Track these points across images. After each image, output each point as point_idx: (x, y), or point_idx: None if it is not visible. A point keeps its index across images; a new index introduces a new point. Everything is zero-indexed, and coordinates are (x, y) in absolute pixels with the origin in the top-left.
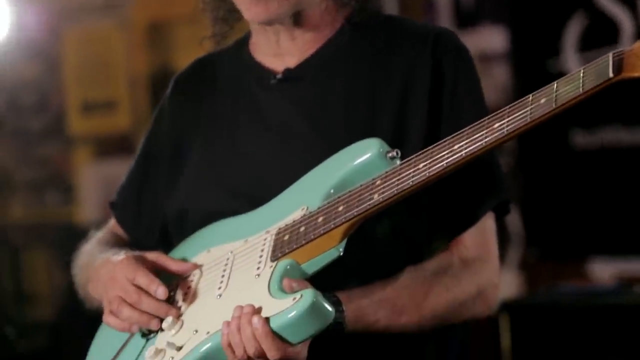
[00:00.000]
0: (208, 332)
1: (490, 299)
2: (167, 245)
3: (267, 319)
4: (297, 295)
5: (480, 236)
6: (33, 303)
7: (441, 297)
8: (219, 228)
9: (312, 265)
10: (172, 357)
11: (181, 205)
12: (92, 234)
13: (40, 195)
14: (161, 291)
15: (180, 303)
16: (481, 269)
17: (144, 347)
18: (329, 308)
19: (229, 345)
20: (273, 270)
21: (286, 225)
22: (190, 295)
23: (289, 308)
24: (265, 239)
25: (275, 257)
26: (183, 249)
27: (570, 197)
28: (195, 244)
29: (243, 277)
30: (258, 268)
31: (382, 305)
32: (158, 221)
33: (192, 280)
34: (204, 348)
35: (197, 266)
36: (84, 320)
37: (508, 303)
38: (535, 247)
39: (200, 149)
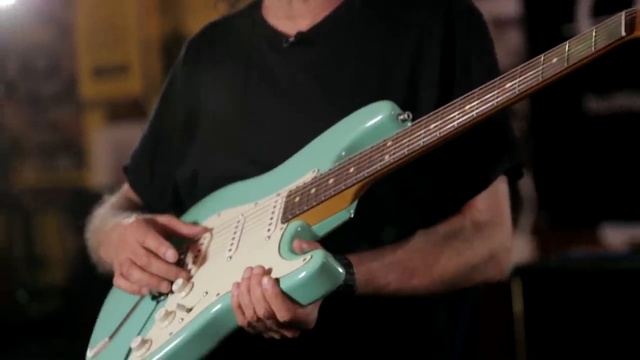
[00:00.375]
0: (218, 294)
1: (503, 262)
2: (179, 209)
3: (277, 280)
4: (307, 256)
5: (493, 199)
6: (45, 267)
7: (452, 261)
8: (230, 192)
9: (323, 227)
10: (182, 319)
11: (192, 170)
12: (105, 198)
13: (52, 160)
14: (170, 254)
15: (190, 266)
16: (494, 232)
17: (154, 310)
18: (339, 269)
19: (239, 306)
20: (283, 232)
21: (297, 187)
22: (201, 258)
23: (299, 269)
24: (275, 201)
25: (285, 219)
26: (194, 213)
27: (582, 163)
28: (205, 207)
29: (253, 239)
30: (268, 230)
31: (393, 269)
32: (170, 185)
33: (202, 244)
34: (214, 309)
35: (208, 229)
36: (96, 284)
37: (520, 268)
38: (547, 213)
39: (211, 114)
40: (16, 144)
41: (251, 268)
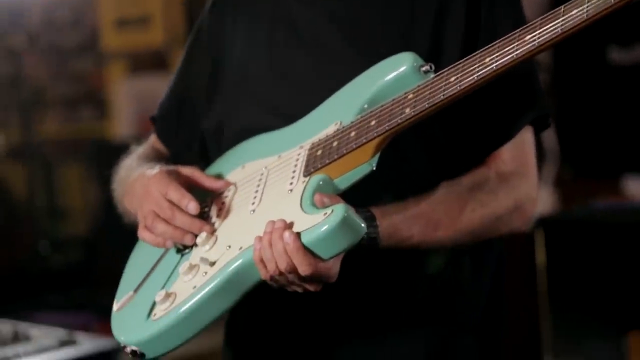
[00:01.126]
0: (241, 248)
1: (528, 213)
2: (206, 160)
3: (298, 234)
4: (328, 210)
5: (518, 150)
6: (66, 218)
7: (477, 213)
8: (254, 144)
9: (345, 180)
10: (206, 272)
11: (218, 121)
12: (133, 148)
13: (74, 111)
14: (192, 206)
15: (214, 219)
16: (519, 183)
17: (178, 263)
18: (361, 223)
19: (261, 260)
20: (305, 185)
21: (319, 140)
22: (225, 211)
23: (320, 223)
24: (298, 154)
25: (307, 172)
26: (219, 166)
27: (605, 115)
28: (230, 160)
29: (276, 192)
30: (291, 183)
31: (417, 221)
32: (197, 136)
33: (226, 196)
34: (237, 263)
35: (230, 183)
36: (117, 235)
37: (543, 219)
38: (570, 165)
39: (237, 65)
40: (38, 95)
41: (273, 222)
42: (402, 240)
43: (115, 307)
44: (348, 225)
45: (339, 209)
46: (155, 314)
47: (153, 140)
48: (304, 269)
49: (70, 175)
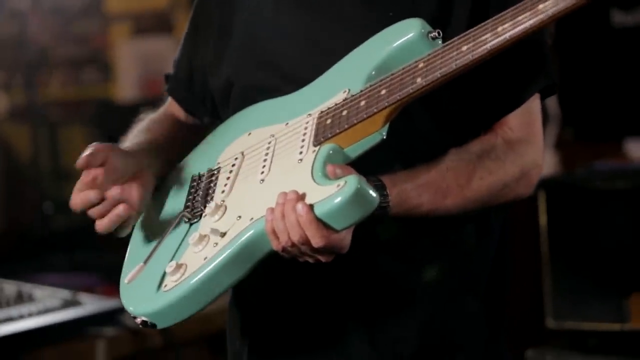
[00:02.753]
0: (252, 219)
1: (533, 180)
2: (217, 118)
3: (311, 206)
4: (341, 182)
5: (525, 117)
6: (70, 179)
7: (485, 180)
8: (259, 110)
9: (355, 150)
10: (216, 244)
11: (226, 80)
12: (142, 115)
13: (78, 73)
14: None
15: (222, 187)
16: (526, 150)
17: (187, 233)
18: (373, 194)
19: (273, 231)
20: (316, 155)
21: (328, 108)
22: (232, 180)
23: (333, 195)
24: (307, 122)
25: (317, 142)
26: (223, 132)
27: (607, 77)
28: (235, 126)
29: (285, 161)
30: (300, 153)
31: (426, 189)
32: (209, 94)
33: (234, 165)
34: (248, 234)
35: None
36: None
37: (545, 180)
38: (572, 127)
39: (243, 23)
40: (42, 56)
41: (285, 193)
42: (412, 208)
43: (125, 280)
44: (361, 197)
45: (352, 181)
46: (166, 285)
47: (168, 104)
48: (316, 241)
49: (74, 136)
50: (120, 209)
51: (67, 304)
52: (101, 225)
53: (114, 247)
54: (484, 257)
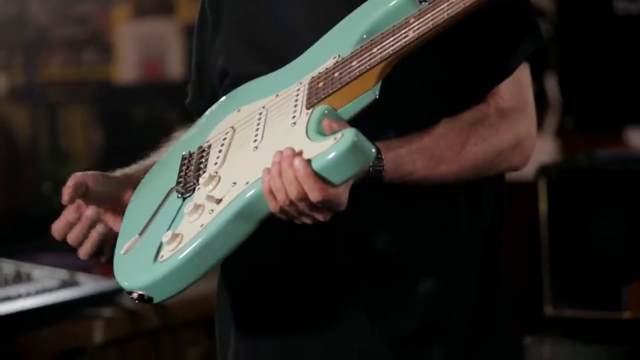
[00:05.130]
0: (247, 182)
1: (527, 149)
2: None
3: (308, 161)
4: (338, 135)
5: (516, 87)
6: (69, 160)
7: (479, 147)
8: (249, 88)
9: (348, 110)
10: (212, 210)
11: (220, 66)
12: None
13: (78, 53)
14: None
15: (214, 161)
16: (518, 119)
17: (181, 205)
18: (371, 146)
19: (270, 191)
20: (309, 116)
21: (319, 73)
22: (225, 153)
23: (331, 147)
24: (298, 90)
25: (310, 104)
26: (212, 113)
27: (609, 65)
28: (224, 106)
29: (279, 127)
30: (294, 117)
31: (420, 155)
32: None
33: (225, 139)
34: (245, 197)
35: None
36: None
37: (545, 167)
38: (573, 115)
39: (231, 7)
40: (42, 37)
41: (281, 152)
42: (406, 174)
43: (121, 251)
44: (359, 148)
45: (349, 132)
46: (162, 256)
47: None
48: (315, 195)
49: (73, 117)
50: (98, 228)
51: (65, 284)
52: (82, 251)
53: None
54: (476, 228)
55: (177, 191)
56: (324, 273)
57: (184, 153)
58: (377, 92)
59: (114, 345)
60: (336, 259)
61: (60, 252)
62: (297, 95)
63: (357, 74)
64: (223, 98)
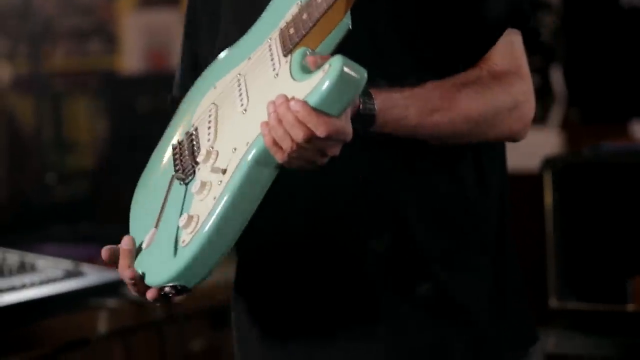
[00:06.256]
0: (248, 143)
1: (526, 113)
2: None
3: (304, 101)
4: (326, 66)
5: (509, 52)
6: (73, 151)
7: (473, 100)
8: (218, 63)
9: (326, 47)
10: (220, 181)
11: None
12: None
13: (83, 44)
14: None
15: (207, 137)
16: (513, 81)
17: (186, 191)
18: (361, 68)
19: (274, 142)
20: (290, 62)
21: (286, 22)
22: (214, 128)
23: (323, 78)
24: (269, 45)
25: (287, 51)
26: (189, 99)
27: (615, 58)
28: (199, 88)
29: (261, 84)
30: (274, 69)
31: (412, 101)
32: None
33: (210, 115)
34: (250, 157)
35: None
36: (124, 168)
37: (551, 160)
38: (578, 108)
39: (228, 10)
40: (47, 27)
41: (273, 101)
42: (399, 119)
43: (143, 244)
44: (350, 72)
45: (337, 59)
46: (184, 241)
47: None
48: (322, 130)
49: (78, 107)
50: None
51: (69, 275)
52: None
53: (116, 218)
54: (487, 211)
55: (177, 179)
56: (335, 274)
57: (173, 143)
58: (350, 22)
59: (118, 336)
60: (346, 256)
61: (64, 243)
62: (271, 49)
63: (325, 6)
64: (196, 81)
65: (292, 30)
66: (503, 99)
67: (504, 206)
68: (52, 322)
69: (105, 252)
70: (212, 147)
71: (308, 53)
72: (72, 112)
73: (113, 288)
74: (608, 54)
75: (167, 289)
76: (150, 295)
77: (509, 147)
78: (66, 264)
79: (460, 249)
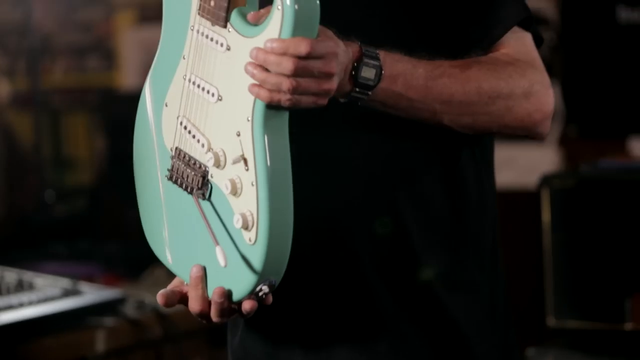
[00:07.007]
0: (248, 118)
1: (544, 103)
2: None
3: (275, 39)
4: (277, 1)
5: (522, 45)
6: (72, 168)
7: (485, 74)
8: (152, 82)
9: (252, 1)
10: (248, 168)
11: None
12: None
13: (82, 60)
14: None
15: (199, 146)
16: (527, 68)
17: (215, 201)
18: None
19: (270, 93)
20: (234, 28)
21: (199, 1)
22: (201, 133)
23: (285, 10)
24: (196, 30)
25: (223, 21)
26: (142, 136)
27: (612, 74)
28: (146, 117)
29: (218, 66)
30: (222, 45)
31: (421, 64)
32: None
33: (186, 128)
34: (260, 124)
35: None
36: (123, 186)
37: (548, 176)
38: (576, 124)
39: None
40: (45, 43)
41: (249, 62)
42: (406, 74)
43: (222, 263)
44: None
45: None
46: (250, 239)
47: None
48: (304, 47)
49: (76, 124)
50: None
51: (68, 293)
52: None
53: (114, 236)
54: (484, 228)
55: (198, 197)
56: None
57: (165, 175)
58: None
59: (116, 354)
60: (351, 281)
61: (63, 260)
62: (201, 32)
63: None
64: (137, 112)
65: (212, 2)
66: (517, 80)
67: (495, 222)
68: (50, 341)
69: (161, 297)
70: (212, 148)
71: (243, 12)
72: (70, 129)
73: (111, 307)
74: (606, 70)
75: (260, 292)
76: (247, 307)
77: (507, 162)
78: (64, 283)
79: (460, 267)
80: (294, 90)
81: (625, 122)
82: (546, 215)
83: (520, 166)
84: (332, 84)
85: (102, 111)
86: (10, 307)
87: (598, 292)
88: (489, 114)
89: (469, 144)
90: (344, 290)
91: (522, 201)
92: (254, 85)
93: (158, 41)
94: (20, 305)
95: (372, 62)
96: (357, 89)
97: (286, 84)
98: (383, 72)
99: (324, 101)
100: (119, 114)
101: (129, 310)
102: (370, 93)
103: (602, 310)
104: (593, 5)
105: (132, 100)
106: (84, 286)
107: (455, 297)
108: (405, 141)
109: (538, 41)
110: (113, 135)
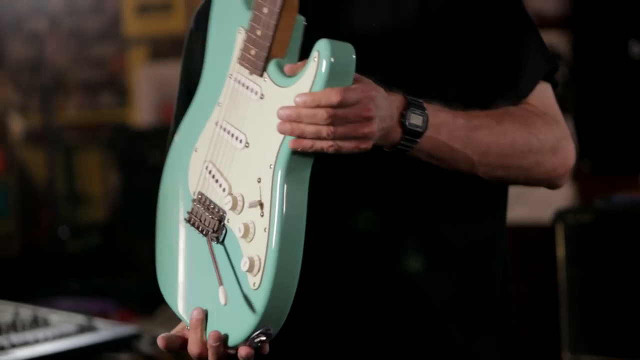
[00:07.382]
0: (271, 165)
1: (568, 155)
2: None
3: (307, 93)
4: (314, 53)
5: (545, 98)
6: (86, 204)
7: (517, 128)
8: (185, 128)
9: (292, 51)
10: (262, 213)
11: None
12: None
13: (95, 96)
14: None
15: (220, 190)
16: (553, 122)
17: (228, 244)
18: (344, 42)
19: (313, 144)
20: (270, 77)
21: (240, 51)
22: (224, 178)
23: (319, 63)
24: (235, 78)
25: (260, 70)
26: (170, 178)
27: (625, 109)
28: (178, 160)
29: (249, 113)
30: (256, 93)
31: (459, 114)
32: None
33: (210, 173)
34: (280, 178)
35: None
36: (136, 221)
37: (563, 212)
38: (589, 159)
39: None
40: (59, 79)
41: (279, 123)
42: (448, 123)
43: (222, 301)
44: (336, 42)
45: (319, 42)
46: (254, 284)
47: None
48: (335, 96)
49: (89, 160)
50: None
51: (83, 329)
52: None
53: (128, 272)
54: (497, 267)
55: (212, 239)
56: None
57: (185, 217)
58: (303, 17)
59: None
60: (357, 301)
61: (77, 297)
62: (238, 81)
63: (277, 10)
64: (169, 157)
65: (253, 52)
66: (546, 135)
67: (506, 261)
68: None
69: (162, 340)
70: (232, 193)
71: (280, 63)
72: (84, 165)
73: (126, 343)
74: (618, 105)
75: (256, 339)
76: (243, 353)
77: (521, 197)
78: (79, 319)
79: (474, 306)
80: (334, 137)
81: (638, 157)
82: (561, 250)
83: (534, 201)
84: (372, 127)
85: (115, 147)
86: (26, 344)
87: (613, 327)
88: (520, 167)
89: (489, 190)
90: (353, 325)
91: (536, 236)
92: (280, 124)
93: (170, 77)
94: (36, 341)
95: (418, 110)
96: (407, 137)
97: (325, 130)
98: (427, 123)
99: (367, 145)
100: (131, 150)
101: (144, 346)
102: (418, 140)
103: (617, 345)
104: (605, 41)
105: (144, 136)
106: (99, 322)
107: (464, 333)
108: (425, 182)
109: (554, 86)
110: (126, 171)
